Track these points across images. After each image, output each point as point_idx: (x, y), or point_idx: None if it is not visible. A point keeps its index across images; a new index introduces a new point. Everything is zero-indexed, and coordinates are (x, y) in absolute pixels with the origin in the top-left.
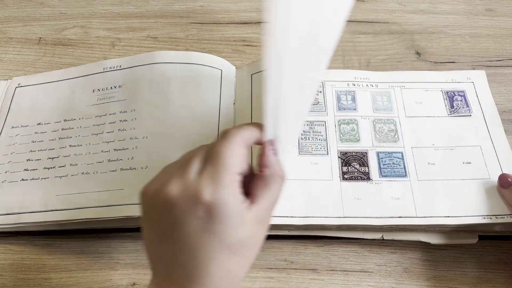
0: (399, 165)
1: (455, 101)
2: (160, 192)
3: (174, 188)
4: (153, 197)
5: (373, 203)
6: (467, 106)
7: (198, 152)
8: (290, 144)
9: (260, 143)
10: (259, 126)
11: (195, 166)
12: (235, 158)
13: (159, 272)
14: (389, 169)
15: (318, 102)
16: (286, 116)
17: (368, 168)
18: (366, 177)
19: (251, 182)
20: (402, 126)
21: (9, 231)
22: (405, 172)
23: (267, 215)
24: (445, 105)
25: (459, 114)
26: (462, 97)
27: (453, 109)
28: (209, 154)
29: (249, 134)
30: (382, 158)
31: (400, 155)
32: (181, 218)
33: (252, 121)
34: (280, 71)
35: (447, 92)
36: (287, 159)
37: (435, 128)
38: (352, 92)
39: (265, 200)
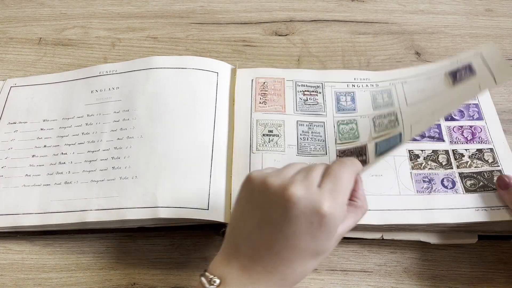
0: (395, 146)
1: None
2: (286, 188)
3: (300, 190)
4: (276, 190)
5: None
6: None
7: (319, 167)
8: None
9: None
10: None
11: (316, 178)
12: (350, 184)
13: (239, 249)
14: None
15: (317, 103)
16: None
17: (366, 157)
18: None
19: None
20: (403, 114)
21: (9, 231)
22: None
23: (341, 236)
24: None
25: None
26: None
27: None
28: (330, 173)
29: (359, 168)
30: (380, 145)
31: (398, 138)
32: (297, 216)
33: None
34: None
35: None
36: None
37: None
38: (352, 93)
39: (349, 223)
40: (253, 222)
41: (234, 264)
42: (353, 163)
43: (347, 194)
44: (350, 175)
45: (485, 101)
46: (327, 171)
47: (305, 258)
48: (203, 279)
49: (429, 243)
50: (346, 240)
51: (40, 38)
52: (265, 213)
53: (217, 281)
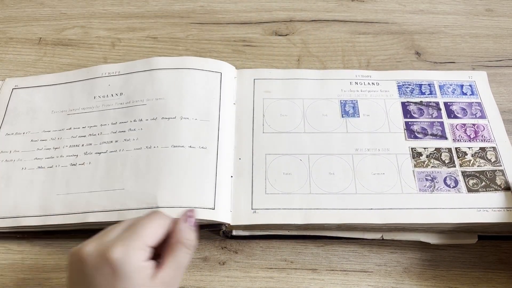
0: None
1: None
2: (77, 251)
3: (89, 248)
4: (71, 255)
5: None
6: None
7: (125, 222)
8: None
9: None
10: (189, 212)
11: (115, 232)
12: (150, 232)
13: None
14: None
15: None
16: None
17: None
18: None
19: (162, 248)
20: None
21: (9, 231)
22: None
23: (173, 280)
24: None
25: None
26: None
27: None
28: (131, 224)
29: (168, 221)
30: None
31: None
32: (91, 273)
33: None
34: None
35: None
36: None
37: None
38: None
39: (170, 265)
40: None
41: None
42: (162, 214)
43: (146, 241)
44: (152, 223)
45: (488, 100)
46: (131, 222)
47: None
48: None
49: (429, 243)
50: (346, 240)
51: (40, 38)
52: (73, 283)
53: None
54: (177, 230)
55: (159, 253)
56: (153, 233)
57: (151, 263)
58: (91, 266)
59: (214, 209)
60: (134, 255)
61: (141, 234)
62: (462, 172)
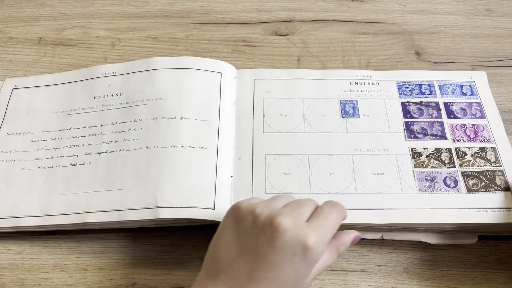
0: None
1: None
2: (274, 218)
3: (288, 222)
4: (264, 220)
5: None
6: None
7: (310, 204)
8: None
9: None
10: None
11: (305, 213)
12: (336, 226)
13: (218, 278)
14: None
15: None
16: None
17: None
18: None
19: None
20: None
21: (9, 231)
22: None
23: (319, 272)
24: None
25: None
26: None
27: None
28: (320, 213)
29: (345, 215)
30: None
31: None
32: (282, 246)
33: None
34: None
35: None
36: None
37: None
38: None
39: (326, 262)
40: (238, 250)
41: None
42: (343, 208)
43: (331, 235)
44: (337, 219)
45: (487, 100)
46: (317, 209)
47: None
48: None
49: (429, 243)
50: None
51: (40, 38)
52: (251, 241)
53: None
54: (344, 235)
55: None
56: (336, 228)
57: None
58: (285, 241)
59: (214, 209)
60: (323, 249)
61: (331, 228)
62: (462, 172)
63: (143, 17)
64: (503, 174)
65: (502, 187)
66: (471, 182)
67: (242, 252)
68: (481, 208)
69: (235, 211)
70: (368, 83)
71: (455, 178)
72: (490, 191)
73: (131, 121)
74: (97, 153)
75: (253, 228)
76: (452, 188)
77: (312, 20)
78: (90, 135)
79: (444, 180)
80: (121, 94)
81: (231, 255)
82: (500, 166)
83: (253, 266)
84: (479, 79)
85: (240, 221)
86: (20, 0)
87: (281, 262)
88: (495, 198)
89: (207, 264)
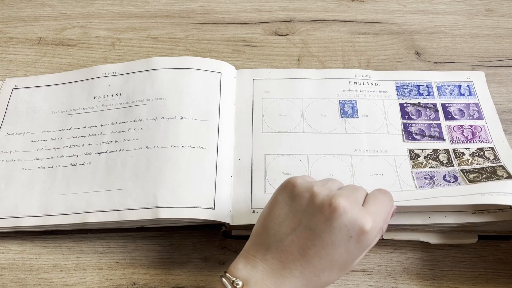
0: None
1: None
2: (333, 198)
3: (347, 204)
4: (323, 198)
5: None
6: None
7: (362, 189)
8: None
9: None
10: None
11: (361, 198)
12: (388, 214)
13: (269, 251)
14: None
15: None
16: None
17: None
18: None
19: None
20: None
21: (9, 231)
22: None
23: (363, 257)
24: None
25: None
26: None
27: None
28: (375, 198)
29: (393, 205)
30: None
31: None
32: (339, 227)
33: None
34: None
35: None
36: None
37: None
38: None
39: (372, 245)
40: (291, 226)
41: (260, 267)
42: (392, 197)
43: (385, 221)
44: (390, 207)
45: (485, 100)
46: (371, 195)
47: (332, 270)
48: (224, 280)
49: (429, 243)
50: None
51: (40, 38)
52: (307, 219)
53: (240, 283)
54: (386, 226)
55: None
56: (389, 216)
57: None
58: (343, 222)
59: (214, 209)
60: (376, 235)
61: (385, 215)
62: (461, 170)
63: (143, 17)
64: (504, 168)
65: (504, 176)
66: (471, 175)
67: (296, 228)
68: (486, 193)
69: (290, 186)
70: (367, 83)
71: (454, 174)
72: (493, 179)
73: (131, 121)
74: (97, 153)
75: (309, 206)
76: (453, 182)
77: (312, 20)
78: (90, 135)
79: (444, 177)
80: (121, 94)
81: (284, 230)
82: (500, 162)
83: (307, 243)
84: (478, 79)
85: (296, 197)
86: (20, 0)
87: (335, 243)
88: (499, 185)
89: (256, 236)
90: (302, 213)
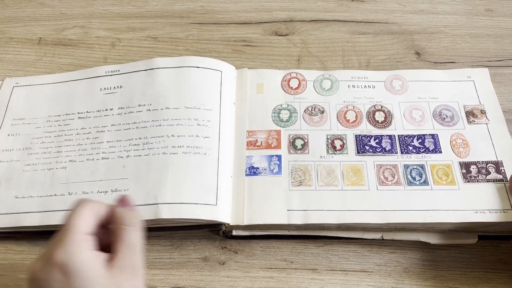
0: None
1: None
2: (28, 272)
3: (36, 264)
4: (27, 279)
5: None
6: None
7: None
8: None
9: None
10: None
11: (55, 236)
12: (81, 219)
13: None
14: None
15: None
16: None
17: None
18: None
19: (110, 240)
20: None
21: (9, 231)
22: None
23: (133, 264)
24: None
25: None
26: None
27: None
28: (63, 222)
29: (97, 204)
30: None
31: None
32: (45, 285)
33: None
34: None
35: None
36: None
37: None
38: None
39: (122, 250)
40: None
41: None
42: (87, 200)
43: (81, 231)
44: (80, 211)
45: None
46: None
47: None
48: None
49: (429, 243)
50: (346, 240)
51: (40, 38)
52: None
53: None
54: (116, 214)
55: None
56: (84, 220)
57: (100, 253)
58: (43, 279)
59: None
60: (76, 249)
61: (73, 225)
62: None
63: (143, 17)
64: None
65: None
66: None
67: None
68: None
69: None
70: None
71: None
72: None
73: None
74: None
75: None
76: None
77: (312, 20)
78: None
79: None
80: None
81: None
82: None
83: None
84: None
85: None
86: (20, 0)
87: None
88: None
89: None
90: None
